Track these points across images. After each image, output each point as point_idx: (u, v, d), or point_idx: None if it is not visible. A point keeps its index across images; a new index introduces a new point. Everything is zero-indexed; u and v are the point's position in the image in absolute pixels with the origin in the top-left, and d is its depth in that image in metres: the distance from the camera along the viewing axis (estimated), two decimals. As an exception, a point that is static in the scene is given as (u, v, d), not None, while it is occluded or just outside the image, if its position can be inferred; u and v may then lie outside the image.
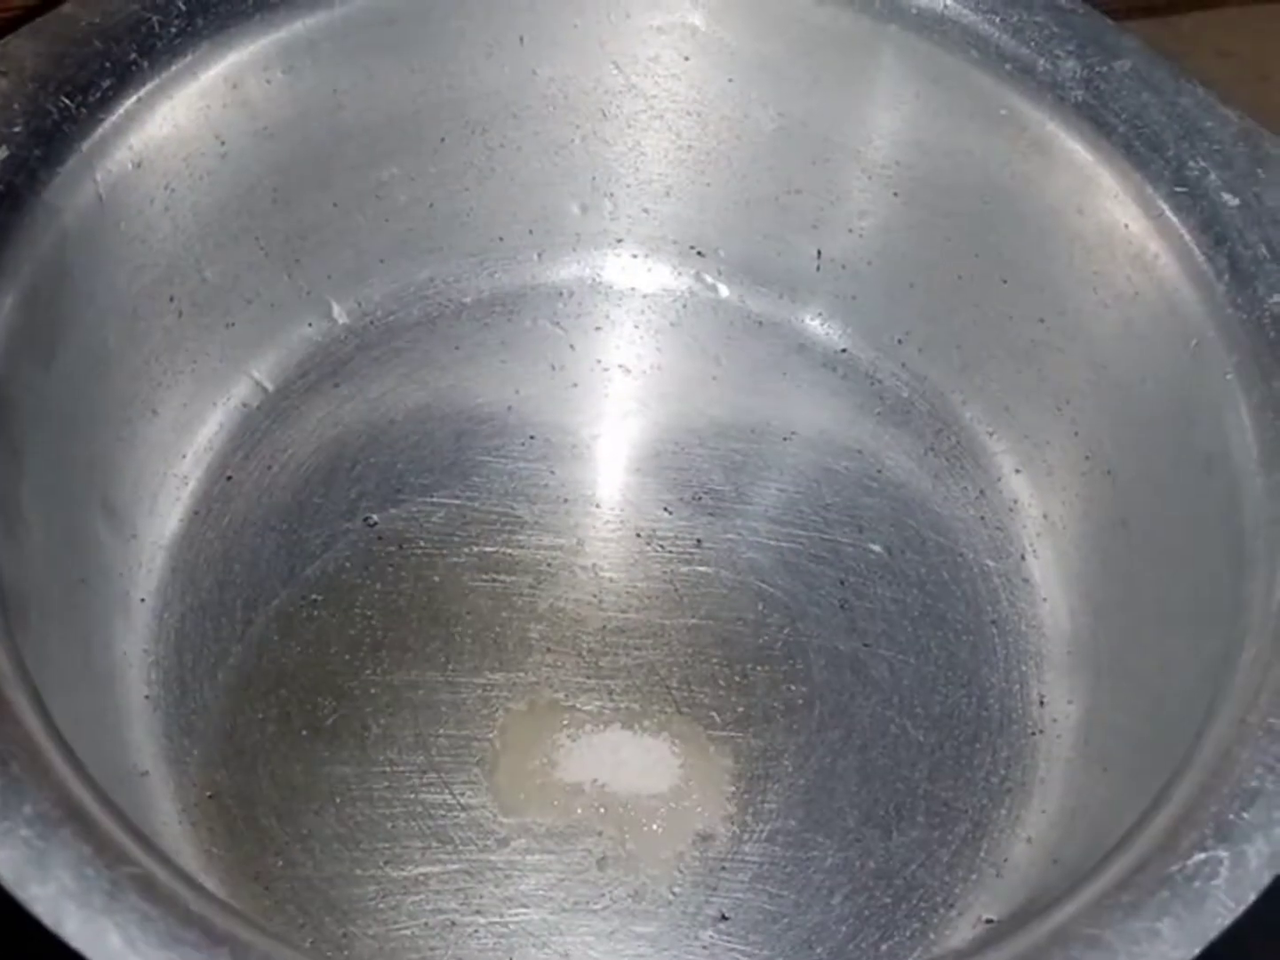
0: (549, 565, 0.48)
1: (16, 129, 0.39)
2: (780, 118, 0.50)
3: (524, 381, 0.52)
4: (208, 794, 0.43)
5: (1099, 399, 0.47)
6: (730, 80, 0.50)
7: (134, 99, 0.41)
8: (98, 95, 0.41)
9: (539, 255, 0.54)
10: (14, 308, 0.38)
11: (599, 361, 0.53)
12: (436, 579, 0.48)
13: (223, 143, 0.45)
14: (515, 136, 0.51)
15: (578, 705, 0.46)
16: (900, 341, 0.52)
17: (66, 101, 0.40)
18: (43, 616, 0.38)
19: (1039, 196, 0.46)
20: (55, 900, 0.29)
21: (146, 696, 0.45)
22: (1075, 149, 0.45)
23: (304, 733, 0.44)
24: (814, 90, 0.49)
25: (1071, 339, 0.47)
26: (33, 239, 0.39)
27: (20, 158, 0.39)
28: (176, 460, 0.48)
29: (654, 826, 0.44)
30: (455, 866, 0.43)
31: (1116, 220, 0.44)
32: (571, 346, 0.53)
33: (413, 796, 0.44)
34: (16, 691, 0.32)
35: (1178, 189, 0.43)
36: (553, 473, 0.50)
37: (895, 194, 0.50)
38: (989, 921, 0.43)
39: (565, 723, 0.45)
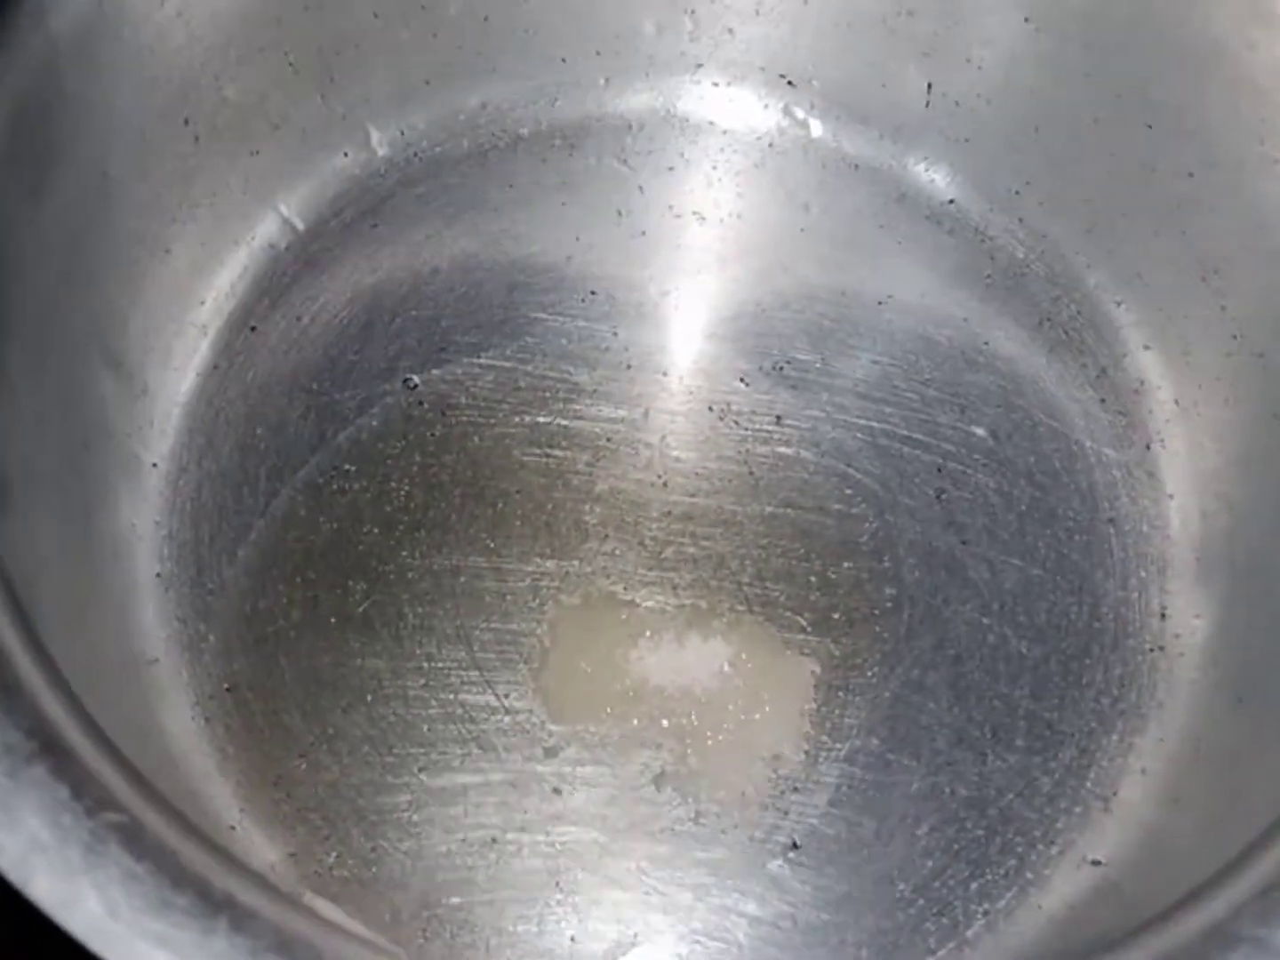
0: (609, 440, 0.45)
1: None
2: (897, -78, 0.44)
3: (585, 228, 0.48)
4: (225, 686, 0.40)
5: (1255, 269, 0.42)
6: (840, -125, 0.43)
7: (136, -122, 0.36)
8: None
9: (606, 81, 0.50)
10: (-4, 126, 0.34)
11: (671, 207, 0.49)
12: (483, 451, 0.44)
13: (245, -66, 0.40)
14: (585, -61, 0.46)
15: (637, 600, 0.42)
16: (1018, 193, 0.48)
17: (53, -124, 0.34)
18: (31, 488, 0.35)
19: (1201, 27, 0.42)
20: (23, 854, 0.25)
21: (158, 574, 0.41)
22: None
23: (332, 620, 0.41)
24: (938, -111, 0.43)
25: (1227, 196, 0.43)
26: (20, 45, 0.36)
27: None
28: (193, 307, 0.45)
29: (719, 740, 0.40)
30: (497, 777, 0.39)
31: (1298, 58, 0.39)
32: (640, 189, 0.49)
33: (452, 697, 0.40)
34: (-14, 587, 0.28)
35: (1376, 21, 0.37)
36: (615, 334, 0.47)
37: (1026, 19, 0.45)
38: (1095, 863, 0.39)
39: (623, 619, 0.42)
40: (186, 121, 0.42)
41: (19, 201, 0.35)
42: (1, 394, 0.34)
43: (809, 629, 0.42)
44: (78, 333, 0.39)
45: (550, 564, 0.42)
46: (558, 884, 0.38)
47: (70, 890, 0.24)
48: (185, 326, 0.44)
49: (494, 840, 0.38)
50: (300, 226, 0.47)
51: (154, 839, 0.25)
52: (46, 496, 0.36)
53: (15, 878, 0.24)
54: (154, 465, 0.42)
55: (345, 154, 0.47)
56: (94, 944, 0.24)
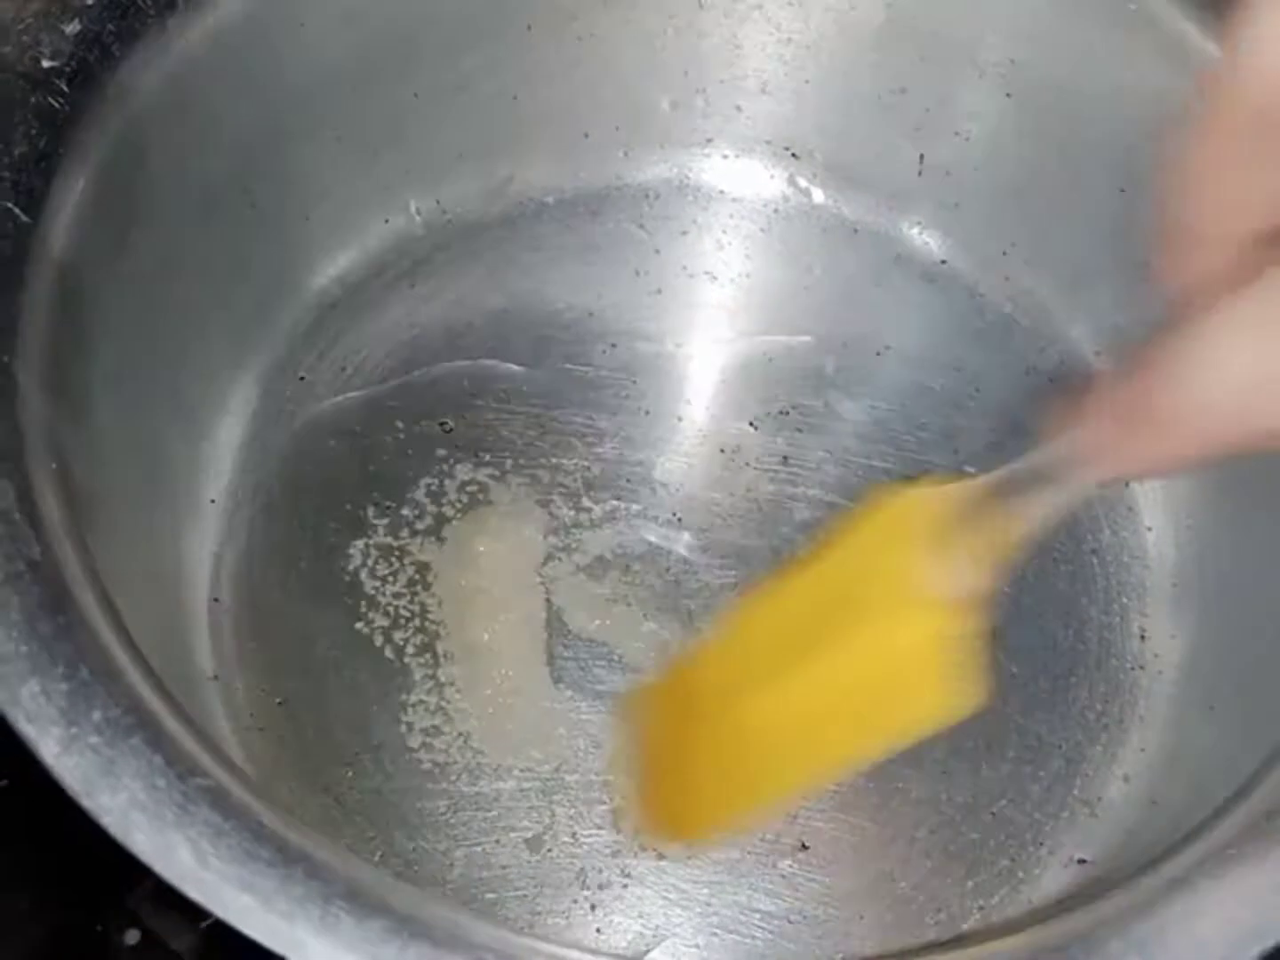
0: (629, 480, 0.47)
1: (89, 2, 0.37)
2: (889, 9, 0.47)
3: (606, 286, 0.50)
4: (277, 701, 0.43)
5: None
6: (837, -32, 0.47)
7: (212, -27, 0.39)
8: (175, -32, 0.39)
9: (625, 154, 0.52)
10: (86, 190, 0.37)
11: (685, 267, 0.51)
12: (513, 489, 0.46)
13: (302, 24, 0.43)
14: (605, 25, 0.49)
15: (654, 626, 0.44)
16: (1005, 253, 0.50)
17: (141, -26, 0.38)
18: (110, 517, 0.37)
19: (1168, 100, 0.43)
20: (125, 811, 0.27)
21: (215, 599, 0.44)
22: (1212, 50, 0.42)
23: (376, 642, 0.44)
24: (926, -19, 0.46)
25: None
26: (106, 119, 0.38)
27: (93, 32, 0.37)
28: (249, 357, 0.47)
29: (734, 751, 0.42)
30: (529, 784, 0.42)
31: (1252, 126, 0.41)
32: (657, 251, 0.51)
33: (489, 710, 0.43)
34: (86, 593, 0.31)
35: (1321, 93, 0.40)
36: (634, 382, 0.49)
37: (1008, 94, 0.47)
38: (1081, 861, 0.41)
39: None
40: (246, 189, 0.44)
41: (101, 259, 0.38)
42: (89, 427, 0.37)
43: (815, 650, 0.45)
44: (148, 380, 0.41)
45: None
46: (584, 882, 0.40)
47: (165, 843, 0.27)
48: (241, 375, 0.46)
49: (526, 841, 0.41)
50: (345, 286, 0.49)
51: (237, 800, 0.28)
52: (122, 523, 0.39)
53: (118, 832, 0.27)
54: (212, 501, 0.45)
55: (386, 220, 0.49)
56: (188, 889, 0.27)
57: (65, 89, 0.36)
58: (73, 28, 0.37)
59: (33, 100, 0.36)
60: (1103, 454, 0.25)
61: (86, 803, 0.28)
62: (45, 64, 0.36)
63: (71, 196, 0.36)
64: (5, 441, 0.32)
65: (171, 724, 0.29)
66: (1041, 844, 0.42)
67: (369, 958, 0.27)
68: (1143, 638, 0.45)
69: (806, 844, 0.41)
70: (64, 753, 0.28)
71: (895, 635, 0.29)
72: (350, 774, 0.42)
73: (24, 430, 0.32)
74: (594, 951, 0.37)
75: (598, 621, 0.44)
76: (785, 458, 0.48)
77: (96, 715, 0.28)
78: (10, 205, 0.34)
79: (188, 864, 0.27)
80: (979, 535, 0.28)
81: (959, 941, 0.38)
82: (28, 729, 0.28)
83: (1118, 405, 0.24)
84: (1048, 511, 0.27)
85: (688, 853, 0.41)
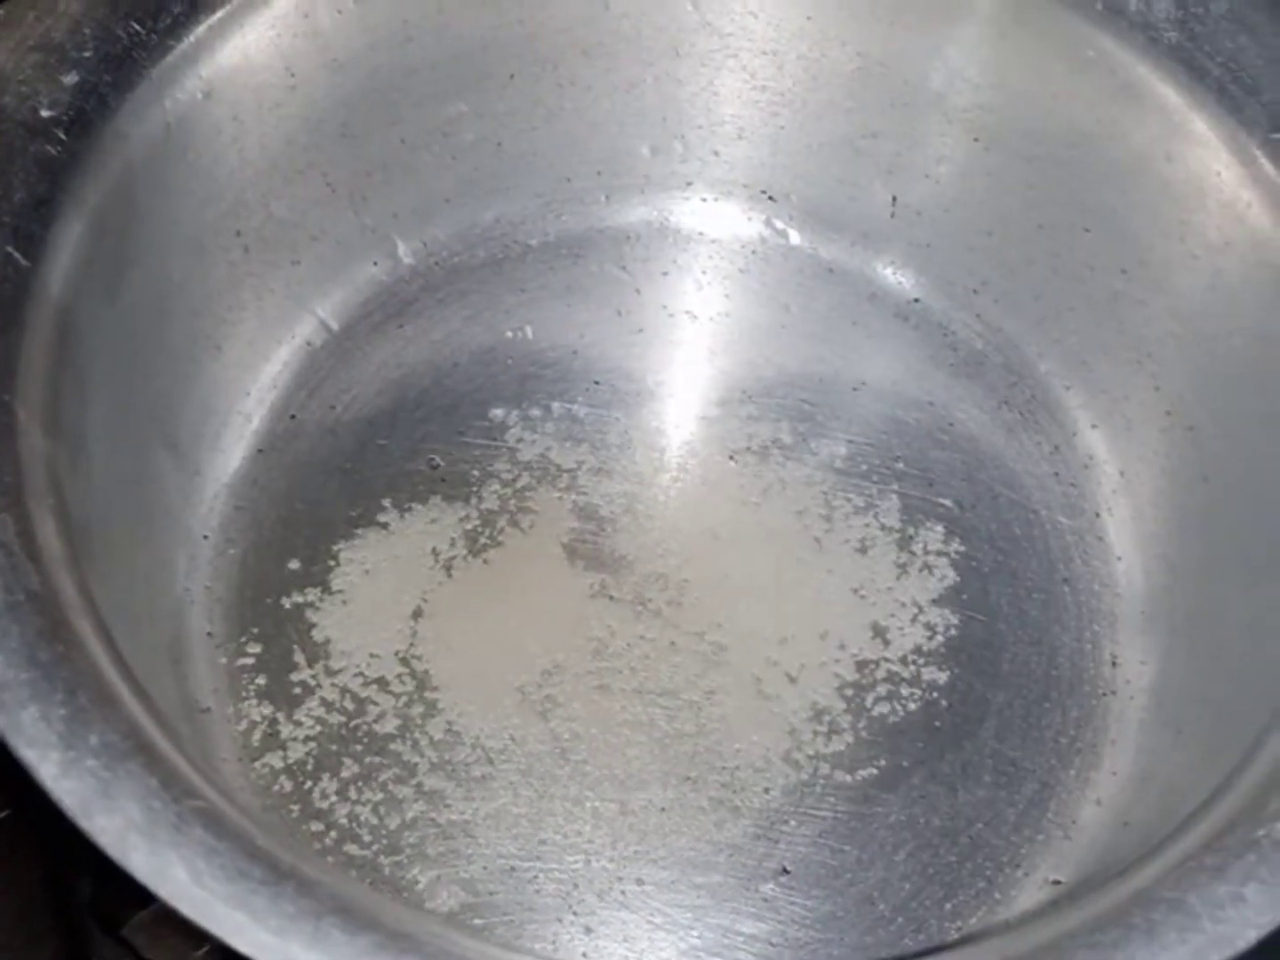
0: (612, 512, 0.48)
1: (87, 53, 0.38)
2: (859, 58, 0.49)
3: (589, 326, 0.52)
4: (268, 732, 0.43)
5: (1183, 352, 0.46)
6: (809, 18, 0.48)
7: (205, 25, 0.41)
8: (169, 21, 0.40)
9: (606, 198, 0.53)
10: (82, 236, 0.38)
11: (665, 307, 0.52)
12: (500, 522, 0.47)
13: (292, 74, 0.44)
14: (586, 74, 0.50)
15: (637, 650, 0.45)
16: (975, 292, 0.51)
17: (137, 27, 0.39)
18: (107, 550, 0.38)
19: (1126, 142, 0.45)
20: (121, 832, 0.28)
21: (208, 634, 0.45)
22: (1167, 93, 0.43)
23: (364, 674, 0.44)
24: (895, 30, 0.48)
25: (1155, 291, 0.46)
26: (102, 167, 0.39)
27: (90, 83, 0.38)
28: (240, 398, 0.48)
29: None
30: (517, 810, 0.42)
31: (1208, 168, 0.43)
32: (638, 291, 0.52)
33: (472, 739, 0.44)
34: (83, 620, 0.32)
35: (1273, 135, 0.42)
36: (617, 419, 0.50)
37: (976, 139, 0.49)
38: (1056, 882, 0.42)
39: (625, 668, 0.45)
40: (238, 233, 0.45)
41: (97, 301, 0.39)
42: (83, 464, 0.37)
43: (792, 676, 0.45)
44: (142, 418, 0.43)
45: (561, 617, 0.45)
46: (570, 907, 0.41)
47: (161, 862, 0.28)
48: (233, 415, 0.47)
49: (513, 869, 0.42)
50: (335, 327, 0.50)
51: (231, 821, 0.29)
52: (117, 557, 0.39)
53: (114, 853, 0.28)
54: (205, 537, 0.46)
55: (375, 263, 0.51)
56: (183, 907, 0.28)
57: (63, 137, 0.38)
58: (71, 79, 0.38)
59: (31, 149, 0.37)
60: None
61: (84, 824, 0.28)
62: (44, 113, 0.37)
63: (69, 241, 0.37)
64: (6, 476, 0.33)
65: (166, 748, 0.30)
66: (1018, 866, 0.43)
67: (359, 972, 0.28)
68: (1114, 664, 0.46)
69: (788, 868, 0.42)
70: (62, 775, 0.29)
71: None
72: (342, 802, 0.42)
73: (24, 465, 0.33)
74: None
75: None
76: (765, 491, 0.49)
77: (94, 739, 0.29)
78: (10, 250, 0.36)
79: (183, 883, 0.28)
80: None
81: (933, 952, 0.39)
82: (28, 753, 0.29)
83: None
84: None
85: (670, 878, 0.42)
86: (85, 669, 0.31)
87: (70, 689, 0.30)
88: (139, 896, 0.42)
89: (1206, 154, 0.43)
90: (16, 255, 0.36)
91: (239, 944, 0.28)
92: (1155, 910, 0.29)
